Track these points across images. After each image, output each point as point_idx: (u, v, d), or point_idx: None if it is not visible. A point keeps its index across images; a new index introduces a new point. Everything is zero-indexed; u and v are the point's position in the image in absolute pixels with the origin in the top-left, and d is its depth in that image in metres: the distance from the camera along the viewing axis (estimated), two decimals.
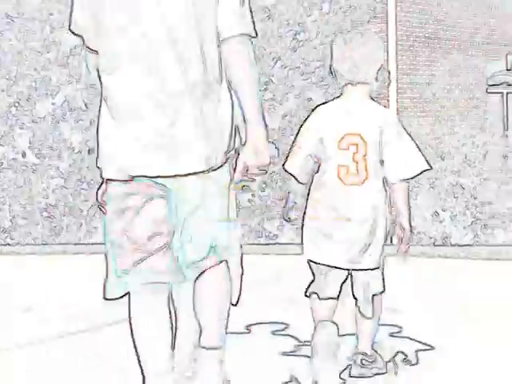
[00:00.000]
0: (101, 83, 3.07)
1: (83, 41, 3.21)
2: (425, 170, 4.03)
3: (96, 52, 3.12)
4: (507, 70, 14.08)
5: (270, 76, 11.17)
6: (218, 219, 3.13)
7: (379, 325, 4.37)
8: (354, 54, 4.02)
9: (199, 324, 3.27)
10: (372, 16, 11.79)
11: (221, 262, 3.25)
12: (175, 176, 3.01)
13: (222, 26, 3.09)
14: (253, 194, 11.17)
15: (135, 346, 3.17)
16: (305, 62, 10.77)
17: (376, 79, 4.09)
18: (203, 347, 3.29)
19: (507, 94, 14.23)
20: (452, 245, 9.39)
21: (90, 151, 11.70)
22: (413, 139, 4.08)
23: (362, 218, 4.03)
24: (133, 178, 3.06)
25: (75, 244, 11.35)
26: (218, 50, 3.10)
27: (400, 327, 5.18)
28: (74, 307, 6.37)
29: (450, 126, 11.91)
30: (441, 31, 12.87)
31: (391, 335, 4.99)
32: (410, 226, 4.03)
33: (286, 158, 4.20)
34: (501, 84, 14.05)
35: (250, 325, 5.37)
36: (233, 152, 3.21)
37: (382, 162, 4.06)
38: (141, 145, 3.02)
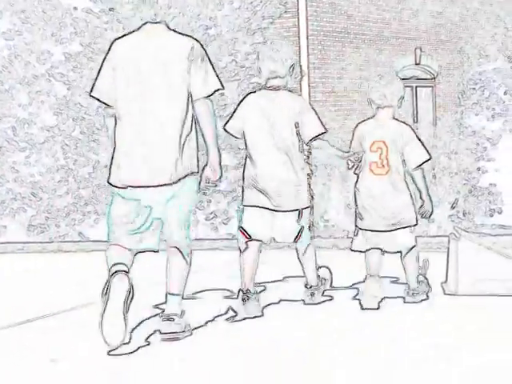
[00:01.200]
0: (115, 125, 4.92)
1: (99, 101, 4.97)
2: (427, 160, 5.83)
3: (110, 106, 4.94)
4: (416, 64, 14.33)
5: None
6: (180, 218, 5.00)
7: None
8: (382, 87, 5.86)
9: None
10: (283, 11, 11.84)
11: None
12: (149, 186, 4.84)
13: (193, 90, 4.88)
14: None
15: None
16: (216, 57, 10.73)
17: (398, 105, 5.91)
18: (168, 292, 5.11)
19: (416, 87, 14.47)
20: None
21: None
22: (420, 140, 5.87)
23: (387, 197, 5.84)
24: (127, 186, 4.88)
25: None
26: (186, 107, 4.87)
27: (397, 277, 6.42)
28: None
29: (362, 119, 12.07)
30: (351, 26, 13.01)
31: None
32: (430, 199, 5.88)
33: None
34: (410, 78, 14.30)
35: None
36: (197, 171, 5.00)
37: (402, 160, 5.83)
38: (131, 167, 4.84)
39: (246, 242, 5.67)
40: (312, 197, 5.78)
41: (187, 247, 5.17)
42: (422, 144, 5.91)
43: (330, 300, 6.02)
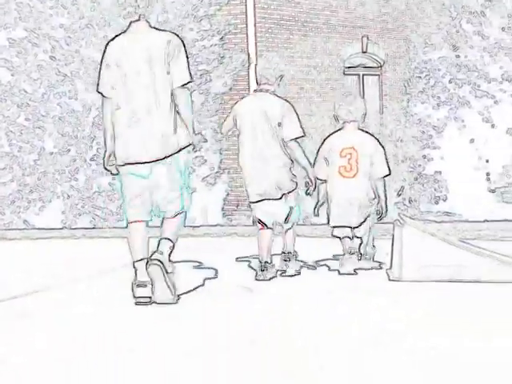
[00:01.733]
0: (114, 114, 5.74)
1: (102, 94, 5.83)
2: (387, 175, 6.75)
3: (110, 98, 5.78)
4: (363, 52, 14.40)
5: None
6: (171, 187, 5.76)
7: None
8: (347, 105, 6.78)
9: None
10: None
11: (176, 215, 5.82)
12: (145, 162, 5.71)
13: (173, 79, 5.69)
14: (113, 178, 11.05)
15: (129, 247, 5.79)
16: None
17: (361, 120, 6.83)
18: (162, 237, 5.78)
19: (363, 75, 14.55)
20: (312, 224, 9.56)
21: None
22: (385, 152, 6.77)
23: (354, 197, 6.74)
24: (126, 163, 5.74)
25: None
26: (170, 93, 5.72)
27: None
28: None
29: (309, 106, 12.10)
30: (298, 14, 13.02)
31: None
32: (386, 205, 6.79)
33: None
34: (357, 66, 14.37)
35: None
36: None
37: (371, 163, 6.69)
38: (129, 147, 5.72)
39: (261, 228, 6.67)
40: (296, 183, 6.61)
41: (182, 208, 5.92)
42: (385, 157, 6.77)
43: (299, 275, 6.66)
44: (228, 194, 11.82)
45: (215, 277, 6.45)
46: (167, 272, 5.67)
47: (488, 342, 4.59)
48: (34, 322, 5.36)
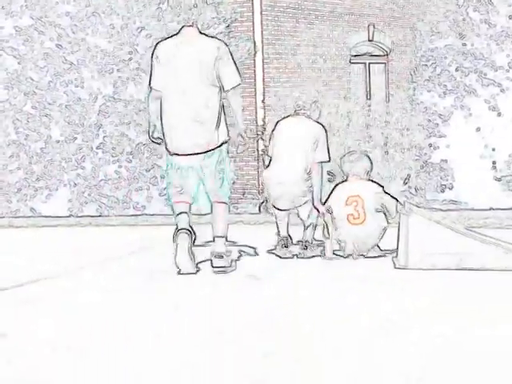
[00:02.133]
0: (161, 105, 6.47)
1: (152, 88, 6.51)
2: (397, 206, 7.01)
3: (159, 91, 6.45)
4: (369, 40, 14.36)
5: (134, 45, 11.05)
6: (218, 176, 6.58)
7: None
8: (351, 162, 7.29)
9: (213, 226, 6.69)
10: None
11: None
12: (192, 154, 6.41)
13: (223, 83, 6.36)
14: (120, 165, 11.06)
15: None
16: (168, 31, 10.65)
17: (365, 177, 7.24)
18: (216, 235, 6.58)
19: (369, 64, 14.51)
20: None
21: None
22: (389, 193, 7.18)
23: (363, 243, 7.07)
24: (176, 153, 6.46)
25: None
26: (216, 93, 6.37)
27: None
28: None
29: (315, 95, 12.08)
30: (305, 2, 12.99)
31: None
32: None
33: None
34: (363, 54, 14.34)
35: None
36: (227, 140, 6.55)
37: (381, 204, 7.07)
38: (179, 138, 6.40)
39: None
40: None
41: (227, 199, 6.81)
42: (392, 196, 7.15)
43: (320, 256, 7.15)
44: (234, 183, 11.82)
45: (256, 254, 7.23)
46: (191, 249, 6.35)
47: (493, 330, 4.61)
48: (40, 309, 5.39)
